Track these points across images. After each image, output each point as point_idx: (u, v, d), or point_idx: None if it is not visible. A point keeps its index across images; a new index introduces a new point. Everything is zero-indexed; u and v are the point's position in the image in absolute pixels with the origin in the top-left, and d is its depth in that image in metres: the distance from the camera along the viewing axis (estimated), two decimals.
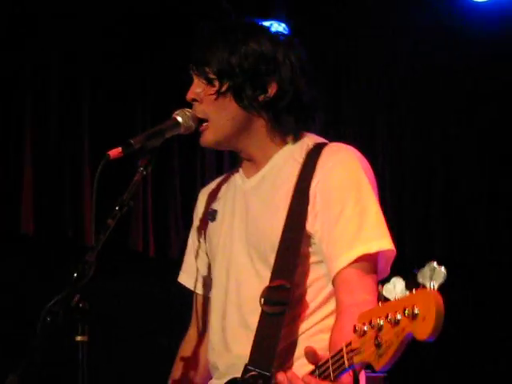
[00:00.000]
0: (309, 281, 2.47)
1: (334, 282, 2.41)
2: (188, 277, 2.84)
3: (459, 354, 6.05)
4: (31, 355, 2.13)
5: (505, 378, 6.00)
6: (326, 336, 2.35)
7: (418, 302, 1.76)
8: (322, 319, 2.46)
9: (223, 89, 2.53)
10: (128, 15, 5.54)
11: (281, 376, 2.16)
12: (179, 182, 5.80)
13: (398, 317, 1.80)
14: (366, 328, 1.89)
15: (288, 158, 2.56)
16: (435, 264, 1.76)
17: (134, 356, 5.53)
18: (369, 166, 2.51)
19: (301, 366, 2.30)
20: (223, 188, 2.75)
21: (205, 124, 2.56)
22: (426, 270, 1.76)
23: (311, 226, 2.44)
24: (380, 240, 2.39)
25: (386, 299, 1.86)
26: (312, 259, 2.47)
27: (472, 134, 6.25)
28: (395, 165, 6.24)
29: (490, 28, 5.85)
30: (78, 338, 2.12)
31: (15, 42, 5.30)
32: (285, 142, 2.60)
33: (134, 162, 2.42)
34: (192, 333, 2.85)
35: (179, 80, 2.64)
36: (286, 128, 2.58)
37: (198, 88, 2.57)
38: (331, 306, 2.46)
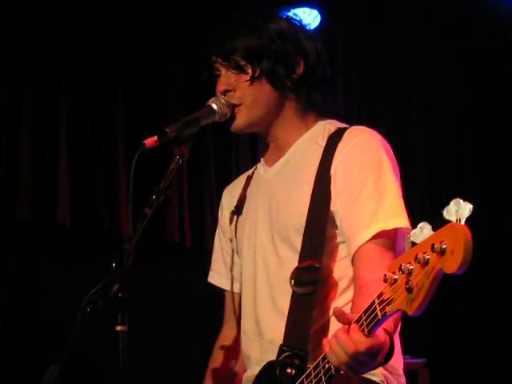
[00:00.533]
0: (336, 260, 2.50)
1: (353, 259, 2.43)
2: (219, 276, 2.86)
3: (502, 339, 5.99)
4: (72, 345, 2.14)
5: None
6: None
7: (445, 237, 1.76)
8: (350, 301, 2.47)
9: (257, 73, 2.56)
10: (158, 4, 5.54)
11: (325, 340, 2.15)
12: (214, 172, 5.80)
13: (427, 256, 1.80)
14: (396, 276, 1.89)
15: (311, 143, 2.60)
16: (460, 200, 1.76)
17: (171, 345, 5.55)
18: (390, 149, 2.53)
19: None
20: (246, 183, 2.78)
21: (237, 108, 2.57)
22: (452, 207, 1.77)
23: (334, 205, 2.47)
24: (397, 218, 2.42)
25: (414, 244, 1.87)
26: (338, 239, 2.50)
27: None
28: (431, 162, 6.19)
29: None
30: (118, 328, 2.12)
31: (44, 41, 5.32)
32: (309, 126, 2.64)
33: (168, 151, 2.42)
34: (226, 331, 2.86)
35: (212, 68, 2.64)
36: (315, 106, 2.63)
37: (228, 78, 2.58)
38: None
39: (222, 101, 2.54)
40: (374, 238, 2.39)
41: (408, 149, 6.11)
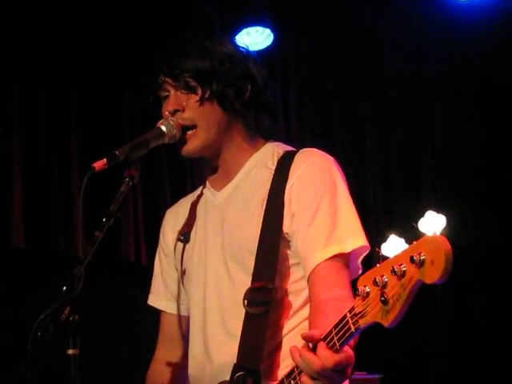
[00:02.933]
0: (289, 283, 2.53)
1: (309, 279, 2.45)
2: (159, 298, 2.86)
3: (452, 357, 6.04)
4: (23, 369, 2.13)
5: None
6: None
7: (423, 248, 1.81)
8: (303, 321, 2.51)
9: (207, 95, 2.57)
10: (113, 23, 5.54)
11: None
12: (169, 190, 5.80)
13: (404, 268, 1.84)
14: (368, 289, 1.93)
15: (260, 166, 2.63)
16: (434, 212, 1.81)
17: (126, 367, 5.51)
18: (340, 169, 2.58)
19: (287, 366, 2.35)
20: (192, 207, 2.78)
21: (191, 132, 2.58)
22: (426, 219, 1.81)
23: (288, 227, 2.50)
24: (354, 239, 2.46)
25: (385, 258, 1.90)
26: (291, 261, 2.53)
27: (461, 137, 6.21)
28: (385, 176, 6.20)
29: (471, 28, 5.87)
30: (70, 352, 2.11)
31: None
32: (257, 148, 2.67)
33: (122, 172, 2.43)
34: (162, 353, 2.86)
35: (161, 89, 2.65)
36: (261, 129, 2.67)
37: (178, 99, 2.60)
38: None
39: (171, 122, 2.55)
40: (330, 258, 2.42)
41: (361, 168, 6.13)
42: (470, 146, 6.12)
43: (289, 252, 2.52)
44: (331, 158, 2.59)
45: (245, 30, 5.73)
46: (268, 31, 5.75)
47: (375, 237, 5.10)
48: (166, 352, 2.85)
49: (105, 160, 2.36)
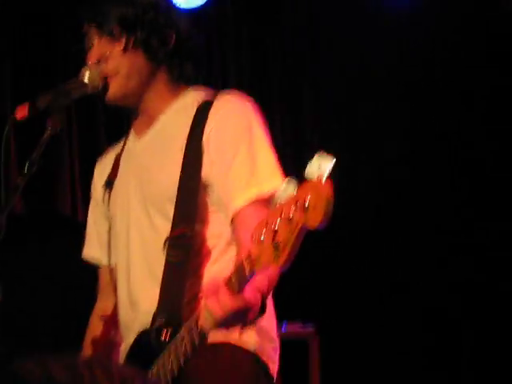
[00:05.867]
0: (208, 230, 2.56)
1: (232, 223, 2.50)
2: (94, 251, 2.87)
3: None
4: None
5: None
6: None
7: (307, 193, 1.84)
8: (224, 268, 2.51)
9: (131, 43, 2.60)
10: None
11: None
12: (107, 141, 5.75)
13: (291, 214, 1.88)
14: (262, 236, 1.97)
15: (180, 112, 2.65)
16: (323, 154, 1.83)
17: (62, 323, 5.50)
18: (260, 113, 2.61)
19: None
20: (116, 155, 2.81)
21: (111, 77, 2.60)
22: (314, 162, 1.84)
23: (207, 174, 2.53)
24: (271, 180, 2.48)
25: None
26: (210, 208, 2.56)
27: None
28: None
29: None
30: None
31: None
32: (179, 94, 2.69)
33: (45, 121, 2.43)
34: (103, 302, 2.88)
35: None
36: (185, 77, 2.69)
37: (101, 48, 2.62)
38: (231, 253, 2.56)
39: (94, 72, 2.58)
40: (250, 201, 2.47)
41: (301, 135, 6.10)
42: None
43: (208, 199, 2.55)
44: (250, 102, 2.61)
45: None
46: None
47: None
48: (102, 303, 2.88)
49: (26, 108, 2.37)
